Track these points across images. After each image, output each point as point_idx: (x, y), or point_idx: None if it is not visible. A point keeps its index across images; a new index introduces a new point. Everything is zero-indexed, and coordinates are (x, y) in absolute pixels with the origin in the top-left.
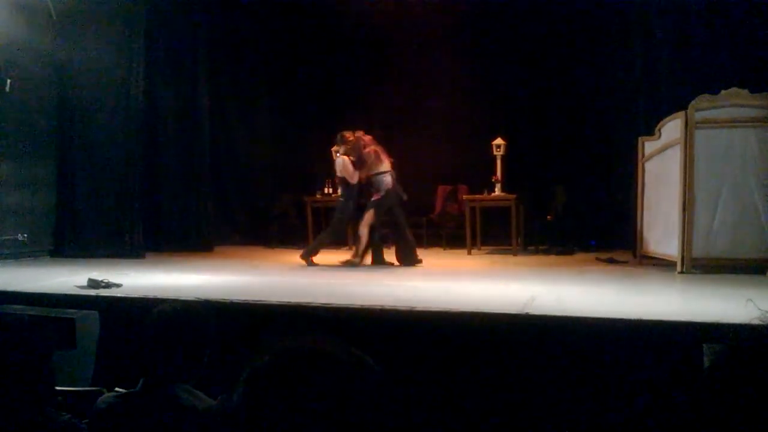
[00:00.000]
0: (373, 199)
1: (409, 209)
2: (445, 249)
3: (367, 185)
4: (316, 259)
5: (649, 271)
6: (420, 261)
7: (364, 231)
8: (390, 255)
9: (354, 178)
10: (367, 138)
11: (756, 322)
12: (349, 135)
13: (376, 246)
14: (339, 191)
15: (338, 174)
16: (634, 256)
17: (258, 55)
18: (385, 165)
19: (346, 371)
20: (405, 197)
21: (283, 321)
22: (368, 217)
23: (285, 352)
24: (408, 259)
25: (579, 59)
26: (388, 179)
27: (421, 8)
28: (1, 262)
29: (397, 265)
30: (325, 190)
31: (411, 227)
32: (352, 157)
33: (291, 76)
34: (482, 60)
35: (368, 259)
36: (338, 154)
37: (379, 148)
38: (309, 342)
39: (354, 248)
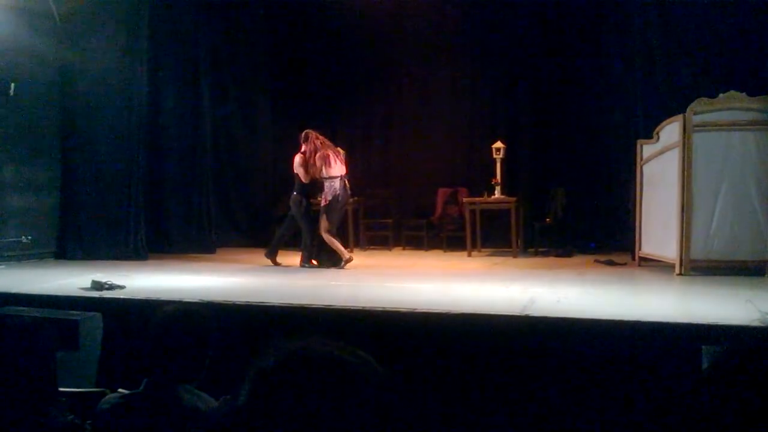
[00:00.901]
0: (322, 204)
1: (410, 211)
2: (445, 251)
3: (320, 186)
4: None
5: (648, 273)
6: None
7: (327, 237)
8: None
9: (305, 178)
10: (320, 141)
11: (756, 323)
12: (312, 134)
13: (319, 248)
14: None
15: (294, 170)
16: (633, 258)
17: (259, 58)
18: (336, 170)
19: (351, 373)
20: (347, 203)
21: (285, 322)
22: (323, 223)
23: (291, 353)
24: (333, 260)
25: (578, 63)
26: (335, 185)
27: (423, 12)
28: (5, 264)
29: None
30: None
31: (412, 229)
32: (306, 157)
33: (292, 78)
34: (482, 63)
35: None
36: (300, 152)
37: (334, 153)
38: (314, 344)
39: (337, 255)
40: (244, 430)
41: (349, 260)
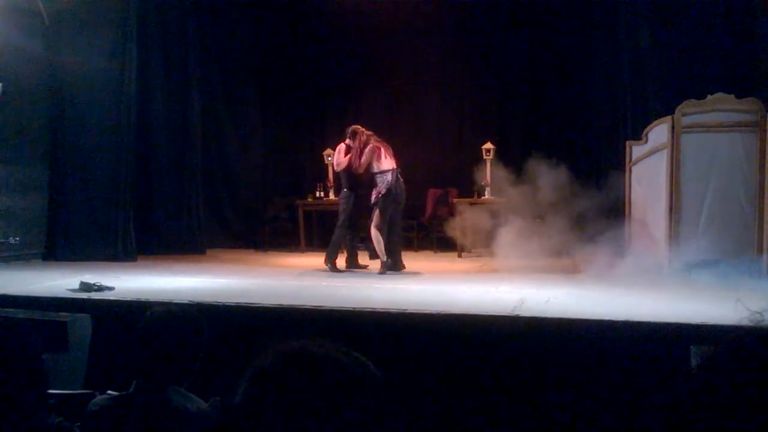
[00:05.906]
0: (373, 199)
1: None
2: (435, 252)
3: (370, 182)
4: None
5: (637, 272)
6: (403, 267)
7: (375, 233)
8: (364, 258)
9: (339, 166)
10: (368, 136)
11: (745, 322)
12: (360, 130)
13: (351, 249)
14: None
15: (335, 162)
16: (622, 258)
17: (249, 59)
18: (387, 164)
19: (347, 375)
20: (403, 199)
21: (274, 323)
22: (375, 218)
23: (287, 354)
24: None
25: (568, 65)
26: (388, 178)
27: (413, 13)
28: None
29: (371, 269)
30: (317, 194)
31: (402, 230)
32: (351, 146)
33: (282, 79)
34: (473, 64)
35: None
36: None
37: (384, 147)
38: (311, 345)
39: (377, 254)
40: (241, 430)
41: (387, 265)
